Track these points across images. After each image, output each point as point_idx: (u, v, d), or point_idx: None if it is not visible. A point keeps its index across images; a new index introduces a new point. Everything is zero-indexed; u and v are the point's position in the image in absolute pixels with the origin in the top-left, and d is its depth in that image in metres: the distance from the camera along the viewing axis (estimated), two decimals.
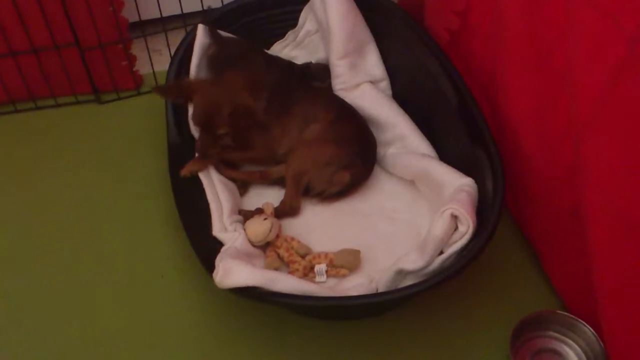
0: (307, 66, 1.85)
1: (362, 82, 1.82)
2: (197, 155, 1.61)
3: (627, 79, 1.06)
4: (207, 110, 1.55)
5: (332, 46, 1.80)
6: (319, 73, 1.83)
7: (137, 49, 2.04)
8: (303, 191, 1.63)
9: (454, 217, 1.37)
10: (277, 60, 1.83)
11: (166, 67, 1.79)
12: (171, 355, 1.43)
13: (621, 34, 1.05)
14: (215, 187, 1.58)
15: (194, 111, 1.58)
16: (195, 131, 1.66)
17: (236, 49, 1.79)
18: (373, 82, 1.83)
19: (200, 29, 1.77)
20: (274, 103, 1.64)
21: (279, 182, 1.67)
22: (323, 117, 1.65)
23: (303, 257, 1.51)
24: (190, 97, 1.60)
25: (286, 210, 1.61)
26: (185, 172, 1.58)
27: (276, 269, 1.47)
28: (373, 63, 1.84)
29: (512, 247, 1.60)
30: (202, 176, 1.60)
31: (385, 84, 1.86)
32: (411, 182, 1.67)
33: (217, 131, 1.56)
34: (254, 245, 1.50)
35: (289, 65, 1.83)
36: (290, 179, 1.61)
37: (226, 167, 1.65)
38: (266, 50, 1.92)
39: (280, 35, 1.98)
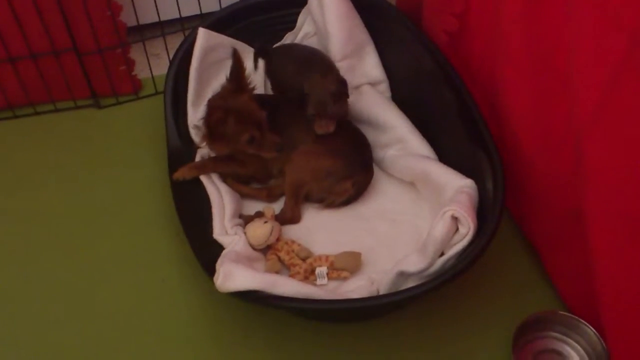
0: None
1: (361, 84, 1.82)
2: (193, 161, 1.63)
3: (628, 80, 1.06)
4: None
5: (331, 49, 1.80)
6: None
7: (136, 53, 2.03)
8: (303, 200, 1.63)
9: (455, 219, 1.37)
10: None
11: (165, 71, 1.80)
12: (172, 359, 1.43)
13: (622, 34, 1.05)
14: (220, 190, 1.59)
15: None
16: (196, 136, 1.66)
17: None
18: (372, 84, 1.83)
19: (201, 33, 1.77)
20: None
21: (283, 195, 1.65)
22: (311, 135, 1.63)
23: (304, 260, 1.51)
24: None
25: (286, 219, 1.61)
26: (178, 175, 1.58)
27: (277, 272, 1.47)
28: (372, 65, 1.84)
29: (513, 248, 1.59)
30: (204, 179, 1.60)
31: (384, 86, 1.86)
32: (411, 184, 1.67)
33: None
34: (254, 249, 1.50)
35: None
36: (289, 190, 1.61)
37: (235, 181, 1.65)
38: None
39: (279, 37, 1.98)
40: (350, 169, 1.61)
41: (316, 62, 1.76)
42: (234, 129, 1.50)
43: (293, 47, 1.89)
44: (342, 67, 1.78)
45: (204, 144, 1.58)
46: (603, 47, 1.10)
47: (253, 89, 1.59)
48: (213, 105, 1.53)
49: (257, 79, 1.84)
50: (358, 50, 1.82)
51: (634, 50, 1.03)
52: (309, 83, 1.61)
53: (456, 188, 1.47)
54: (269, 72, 1.84)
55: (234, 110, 1.49)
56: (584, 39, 1.15)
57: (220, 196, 1.58)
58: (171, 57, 1.82)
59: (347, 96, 1.64)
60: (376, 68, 1.85)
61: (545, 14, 1.30)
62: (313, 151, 1.62)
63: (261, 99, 1.62)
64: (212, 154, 1.66)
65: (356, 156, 1.65)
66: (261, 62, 1.86)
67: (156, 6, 1.93)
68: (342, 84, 1.62)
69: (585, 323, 1.36)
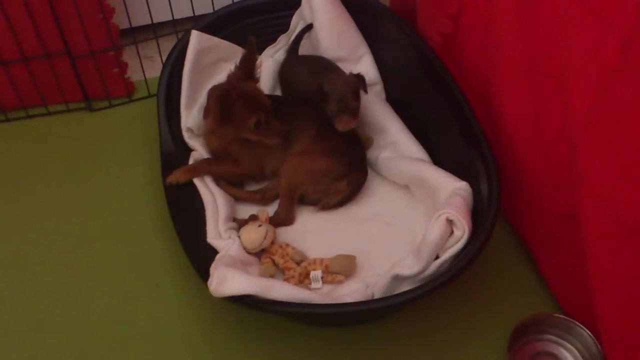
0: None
1: None
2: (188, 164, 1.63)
3: (621, 83, 1.06)
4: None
5: (322, 52, 1.80)
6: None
7: (129, 55, 2.02)
8: (298, 201, 1.62)
9: (449, 222, 1.37)
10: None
11: (158, 73, 1.78)
12: None
13: (615, 37, 1.05)
14: (213, 194, 1.58)
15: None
16: (190, 139, 1.67)
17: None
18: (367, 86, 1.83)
19: (194, 35, 1.77)
20: None
21: (277, 198, 1.65)
22: (305, 135, 1.63)
23: (298, 263, 1.50)
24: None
25: (280, 221, 1.60)
26: (171, 179, 1.58)
27: (271, 276, 1.46)
28: (367, 67, 1.84)
29: (508, 250, 1.59)
30: (198, 183, 1.60)
31: (379, 88, 1.86)
32: (405, 187, 1.67)
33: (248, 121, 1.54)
34: (248, 253, 1.49)
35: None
36: (284, 192, 1.60)
37: (228, 184, 1.65)
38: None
39: (272, 40, 1.97)
40: (346, 167, 1.61)
41: (330, 66, 1.77)
42: (243, 111, 1.52)
43: (308, 56, 1.88)
44: None
45: (206, 130, 1.61)
46: (596, 49, 1.10)
47: (259, 79, 1.62)
48: (224, 87, 1.54)
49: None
50: (352, 52, 1.82)
51: (627, 53, 1.03)
52: (328, 81, 1.60)
53: (451, 191, 1.47)
54: (281, 75, 1.85)
55: (244, 94, 1.52)
56: (577, 41, 1.15)
57: (213, 200, 1.57)
58: (164, 59, 1.81)
59: (366, 91, 1.63)
60: (371, 70, 1.85)
61: (539, 16, 1.30)
62: (308, 152, 1.62)
63: None
64: (206, 156, 1.65)
65: (350, 154, 1.65)
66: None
67: (149, 8, 1.92)
68: (360, 79, 1.63)
69: (581, 325, 1.36)
